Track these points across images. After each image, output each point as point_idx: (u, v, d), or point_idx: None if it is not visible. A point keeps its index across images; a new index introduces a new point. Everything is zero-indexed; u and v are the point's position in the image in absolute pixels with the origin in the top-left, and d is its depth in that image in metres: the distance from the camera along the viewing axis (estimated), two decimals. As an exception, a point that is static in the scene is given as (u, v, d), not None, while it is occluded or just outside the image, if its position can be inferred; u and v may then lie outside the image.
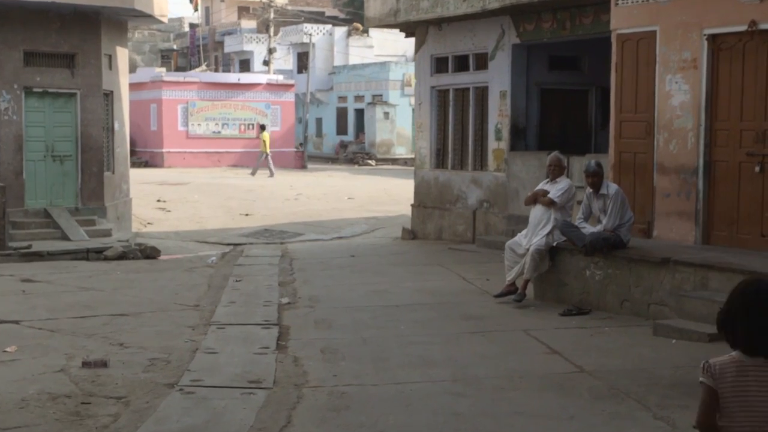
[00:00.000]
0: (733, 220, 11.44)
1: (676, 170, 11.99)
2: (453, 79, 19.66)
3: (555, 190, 11.98)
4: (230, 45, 68.44)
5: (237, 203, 27.69)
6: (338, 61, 60.98)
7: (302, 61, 59.97)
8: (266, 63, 52.71)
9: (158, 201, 27.43)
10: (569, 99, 18.56)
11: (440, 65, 20.02)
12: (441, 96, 20.17)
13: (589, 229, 11.48)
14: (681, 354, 8.98)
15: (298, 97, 54.29)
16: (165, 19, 22.67)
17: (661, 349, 9.30)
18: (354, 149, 55.24)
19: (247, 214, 25.50)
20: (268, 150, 40.65)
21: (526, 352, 9.43)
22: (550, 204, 11.92)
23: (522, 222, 14.38)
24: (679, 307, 10.17)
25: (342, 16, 71.61)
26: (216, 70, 65.79)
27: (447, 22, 19.25)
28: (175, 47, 76.85)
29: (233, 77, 48.70)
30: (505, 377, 8.39)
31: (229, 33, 70.19)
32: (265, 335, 10.38)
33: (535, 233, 11.98)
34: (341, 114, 59.72)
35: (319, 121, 61.63)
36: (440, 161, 20.28)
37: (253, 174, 39.17)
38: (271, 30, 52.82)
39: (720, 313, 3.81)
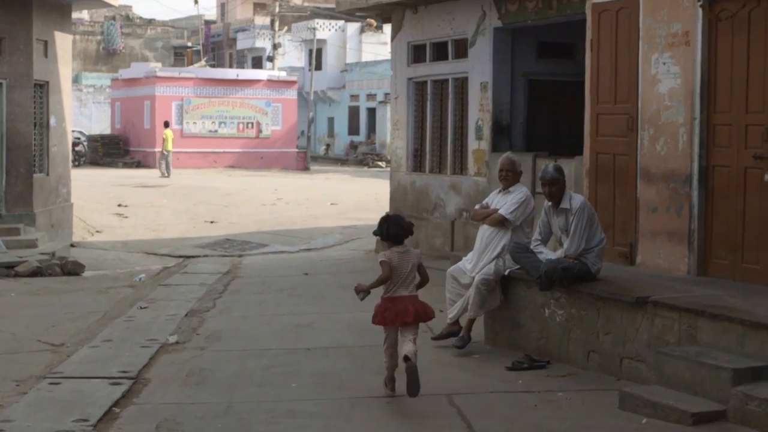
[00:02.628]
0: (736, 245, 8.65)
1: (665, 177, 9.22)
2: (431, 69, 17.10)
3: (508, 203, 9.25)
4: (243, 42, 66.03)
5: (207, 208, 25.12)
6: (351, 58, 58.38)
7: (315, 58, 57.36)
8: (270, 59, 50.06)
9: (119, 205, 24.89)
10: (562, 92, 15.86)
11: (418, 54, 17.48)
12: (419, 89, 17.62)
13: (547, 254, 8.75)
14: (648, 446, 6.26)
15: (310, 95, 51.83)
16: (115, 3, 20.11)
17: (623, 434, 6.56)
18: (364, 150, 52.60)
19: (212, 222, 22.98)
20: (170, 149, 37.88)
21: (433, 436, 6.74)
22: (502, 223, 9.21)
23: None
24: (658, 367, 7.42)
25: (358, 12, 68.85)
26: (230, 68, 63.41)
27: (424, 4, 16.70)
28: (189, 44, 74.49)
29: (232, 73, 46.21)
30: (379, 487, 5.71)
31: (243, 30, 67.77)
32: (101, 397, 7.74)
33: (481, 258, 9.27)
34: (353, 113, 57.15)
35: (330, 121, 59.11)
36: (418, 163, 17.69)
37: (164, 175, 36.63)
38: (276, 24, 50.24)
39: (377, 230, 7.71)
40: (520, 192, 9.26)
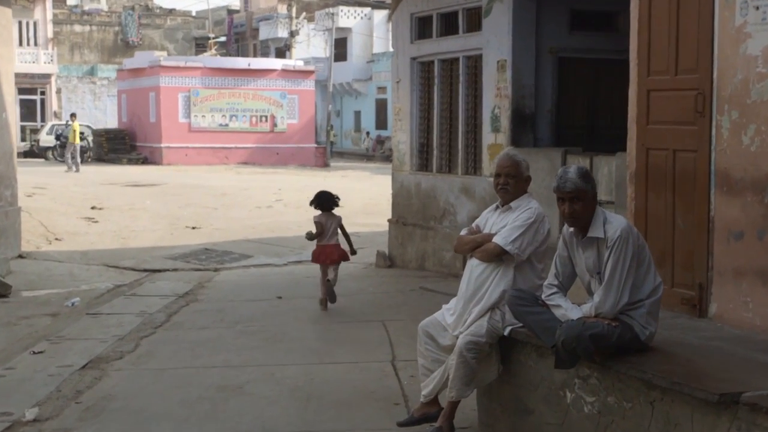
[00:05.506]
0: None
1: (756, 186, 5.99)
2: (438, 46, 14.22)
3: (509, 227, 6.01)
4: (265, 31, 63.18)
5: (193, 211, 22.14)
6: (378, 48, 55.32)
7: (340, 48, 54.32)
8: (287, 47, 47.12)
9: (92, 208, 21.96)
10: (600, 72, 12.92)
11: (423, 28, 14.68)
12: (425, 70, 14.77)
13: (568, 309, 5.51)
14: None
15: (335, 87, 48.82)
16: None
17: None
18: (390, 146, 49.57)
19: (194, 227, 19.99)
20: (77, 142, 35.28)
21: None
22: (499, 256, 5.99)
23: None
24: None
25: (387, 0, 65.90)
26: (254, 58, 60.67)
27: (429, -35, 13.77)
28: (211, 35, 71.78)
29: (243, 62, 43.29)
30: None
31: (266, 18, 64.94)
32: None
33: (468, 308, 6.07)
34: (380, 106, 54.06)
35: (357, 114, 56.07)
36: (423, 161, 14.78)
37: (76, 170, 33.99)
38: (294, 10, 47.20)
39: (313, 200, 11.16)
40: (527, 209, 6.01)
